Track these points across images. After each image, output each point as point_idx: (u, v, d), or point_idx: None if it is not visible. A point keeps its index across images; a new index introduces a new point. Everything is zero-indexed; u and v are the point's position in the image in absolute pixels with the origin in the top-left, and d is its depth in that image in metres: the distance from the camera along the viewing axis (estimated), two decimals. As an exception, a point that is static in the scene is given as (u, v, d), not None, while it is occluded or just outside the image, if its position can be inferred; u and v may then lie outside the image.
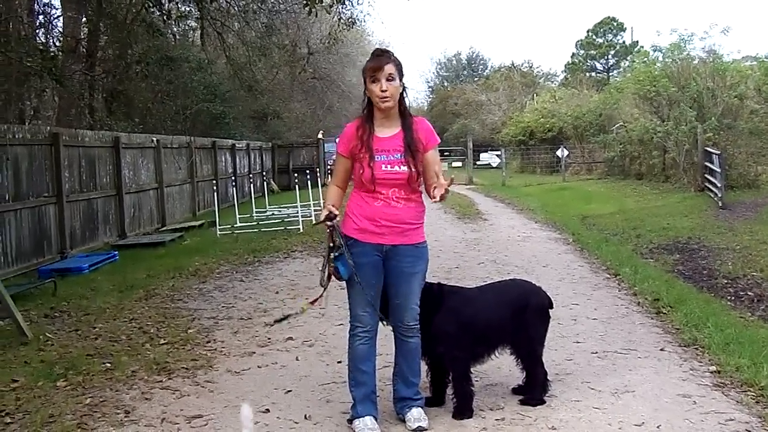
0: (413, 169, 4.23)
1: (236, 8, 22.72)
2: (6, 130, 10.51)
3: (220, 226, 14.68)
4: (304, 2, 14.53)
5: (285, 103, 35.24)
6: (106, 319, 7.44)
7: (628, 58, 52.63)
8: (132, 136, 15.70)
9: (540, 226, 14.91)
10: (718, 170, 18.55)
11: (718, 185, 18.30)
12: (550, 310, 4.84)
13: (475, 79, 65.67)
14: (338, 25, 22.19)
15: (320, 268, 4.42)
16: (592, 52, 62.17)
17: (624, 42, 61.08)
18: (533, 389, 4.70)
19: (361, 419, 4.32)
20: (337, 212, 4.27)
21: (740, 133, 22.63)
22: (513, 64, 60.79)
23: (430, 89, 71.68)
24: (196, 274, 10.02)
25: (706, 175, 20.95)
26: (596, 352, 5.78)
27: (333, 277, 4.32)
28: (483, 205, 20.17)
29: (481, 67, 71.20)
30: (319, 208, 15.98)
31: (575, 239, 12.52)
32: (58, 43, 18.26)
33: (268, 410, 4.74)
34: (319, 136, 32.28)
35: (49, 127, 13.25)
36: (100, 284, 9.39)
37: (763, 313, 7.86)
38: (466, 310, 4.59)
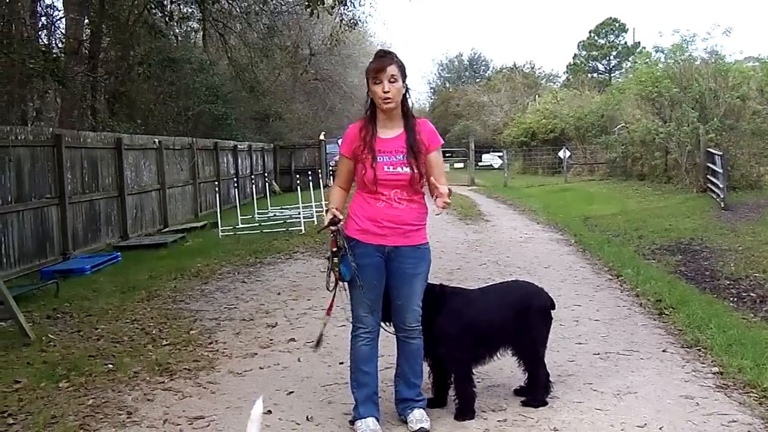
0: (415, 171, 4.23)
1: (238, 10, 22.74)
2: (9, 131, 10.52)
3: (222, 227, 14.68)
4: (306, 3, 14.58)
5: (287, 104, 35.25)
6: (109, 320, 7.44)
7: (630, 58, 52.59)
8: (134, 138, 15.71)
9: (542, 227, 14.91)
10: (721, 171, 18.54)
11: (721, 186, 18.28)
12: (552, 312, 4.84)
13: (477, 80, 65.80)
14: (340, 27, 22.25)
15: (325, 272, 4.39)
16: (594, 52, 62.16)
17: (626, 43, 61.06)
18: (535, 390, 4.70)
19: (363, 420, 4.32)
20: (341, 216, 4.27)
21: (742, 134, 22.60)
22: (515, 65, 60.99)
23: (432, 90, 71.79)
24: (198, 275, 10.02)
25: (708, 176, 20.93)
26: (598, 354, 5.77)
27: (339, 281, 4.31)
28: (485, 206, 20.17)
29: (483, 68, 71.32)
30: (321, 209, 16.01)
31: (577, 240, 12.52)
32: (60, 45, 18.29)
33: (270, 411, 4.74)
34: (321, 137, 32.30)
35: (51, 129, 13.28)
36: (103, 285, 9.39)
37: (766, 315, 7.84)
38: (468, 312, 4.58)
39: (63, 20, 18.62)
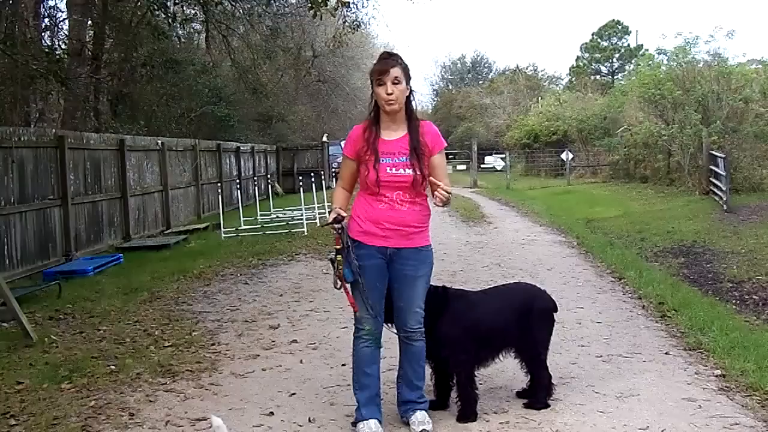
0: (418, 172, 4.23)
1: (241, 11, 22.75)
2: (12, 132, 10.53)
3: (224, 228, 14.68)
4: (309, 5, 14.59)
5: (290, 105, 35.27)
6: (111, 322, 7.44)
7: (633, 61, 52.56)
8: (137, 139, 15.72)
9: (544, 229, 14.90)
10: (723, 173, 18.51)
11: (723, 188, 18.25)
12: (554, 314, 4.84)
13: (480, 82, 65.82)
14: (343, 28, 22.26)
15: (331, 273, 4.36)
16: (597, 55, 62.14)
17: (629, 45, 61.01)
18: (537, 393, 4.70)
19: (365, 422, 4.32)
20: (345, 215, 4.27)
21: (745, 136, 22.59)
22: (518, 68, 61.00)
23: (435, 92, 71.82)
24: (201, 276, 10.03)
25: (710, 179, 20.91)
26: (601, 356, 5.77)
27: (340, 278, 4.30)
28: (487, 208, 20.17)
29: (486, 70, 71.32)
30: (323, 211, 16.02)
31: (580, 242, 12.51)
32: (63, 46, 18.30)
33: (272, 413, 4.75)
34: (324, 138, 32.30)
35: (54, 130, 13.28)
36: (105, 287, 9.40)
37: (769, 317, 7.83)
38: (470, 314, 4.58)
39: (66, 21, 18.70)
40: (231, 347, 6.39)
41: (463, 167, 40.02)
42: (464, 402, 4.50)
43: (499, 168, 42.21)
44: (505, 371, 5.21)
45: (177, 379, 5.51)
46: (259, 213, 17.74)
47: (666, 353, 5.80)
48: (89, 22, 18.68)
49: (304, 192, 16.84)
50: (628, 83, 35.68)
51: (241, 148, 24.60)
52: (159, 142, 16.68)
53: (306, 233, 14.38)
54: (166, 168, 16.62)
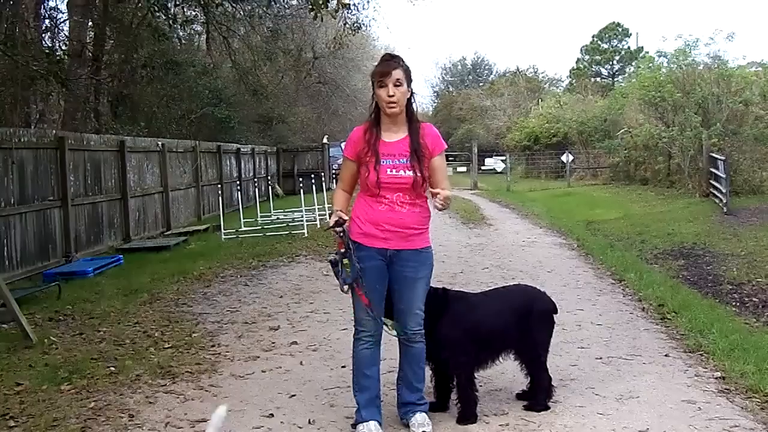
0: (418, 174, 4.24)
1: (242, 13, 22.77)
2: (12, 133, 10.54)
3: (224, 230, 14.68)
4: (310, 7, 14.58)
5: (290, 107, 35.29)
6: (111, 323, 7.44)
7: (633, 63, 52.53)
8: (137, 140, 15.72)
9: (545, 231, 14.90)
10: (723, 176, 18.51)
11: (723, 191, 18.25)
12: (554, 316, 4.84)
13: (480, 84, 65.77)
14: (344, 30, 22.27)
15: (335, 276, 4.33)
16: (597, 57, 62.11)
17: (629, 47, 61.00)
18: (537, 395, 4.70)
19: (365, 424, 4.32)
20: (346, 217, 4.27)
21: (745, 139, 22.59)
22: (518, 70, 60.95)
23: (435, 94, 71.75)
24: (201, 278, 10.03)
25: (711, 181, 20.91)
26: (601, 358, 5.77)
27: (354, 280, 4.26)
28: (488, 210, 20.16)
29: (486, 72, 71.23)
30: (324, 213, 16.02)
31: (580, 245, 12.51)
32: (64, 47, 18.29)
33: (272, 415, 4.75)
34: (324, 140, 32.32)
35: (54, 131, 13.28)
36: (105, 288, 9.40)
37: (769, 320, 7.83)
38: (470, 316, 4.59)
39: (67, 23, 18.66)
40: (231, 349, 6.39)
41: (464, 169, 40.01)
42: (464, 404, 4.50)
43: (499, 170, 42.20)
44: (505, 373, 5.21)
45: (177, 380, 5.50)
46: (259, 214, 17.73)
47: (666, 355, 5.80)
48: (90, 23, 18.68)
49: (304, 193, 16.83)
50: (628, 85, 35.71)
51: (242, 149, 24.61)
52: (159, 143, 16.68)
53: (306, 235, 14.37)
54: (166, 169, 16.63)
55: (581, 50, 63.53)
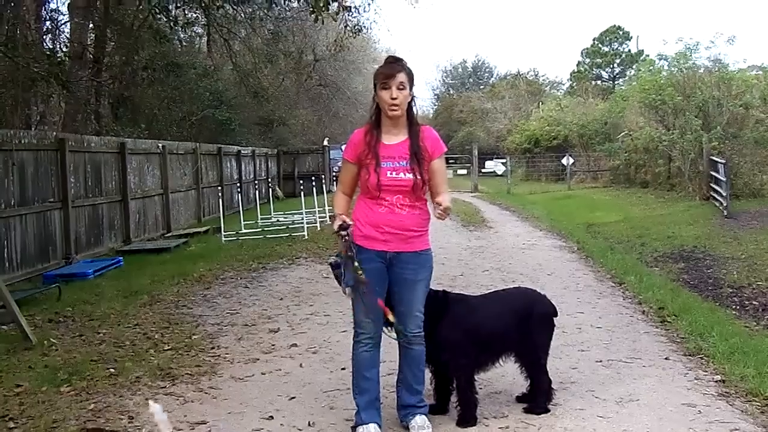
0: (418, 177, 4.24)
1: (243, 15, 22.80)
2: (12, 135, 10.54)
3: (225, 232, 14.68)
4: (311, 10, 14.60)
5: (291, 109, 35.30)
6: (111, 325, 7.44)
7: (634, 66, 52.53)
8: (138, 142, 15.73)
9: (545, 234, 14.89)
10: (723, 179, 18.53)
11: (723, 194, 18.27)
12: (554, 318, 4.84)
13: (481, 87, 65.79)
14: (344, 33, 22.30)
15: (343, 279, 4.31)
16: (598, 60, 62.13)
17: (630, 50, 61.02)
18: (537, 397, 4.69)
19: (364, 426, 4.31)
20: (350, 222, 4.27)
21: (745, 142, 22.63)
22: (519, 72, 60.89)
23: (436, 97, 71.74)
24: (201, 280, 10.02)
25: (711, 184, 20.93)
26: (601, 361, 5.77)
27: (361, 282, 4.23)
28: (488, 212, 20.16)
29: (487, 75, 71.24)
30: (324, 215, 16.02)
31: (580, 247, 12.51)
32: (65, 49, 18.29)
33: (271, 417, 4.75)
34: (325, 142, 32.35)
35: (55, 133, 13.27)
36: (105, 290, 9.39)
37: (769, 323, 7.83)
38: (470, 318, 4.58)
39: (68, 24, 18.69)
40: (231, 351, 6.39)
41: (464, 172, 39.98)
42: (464, 406, 4.50)
43: (499, 173, 42.17)
44: (505, 376, 5.21)
45: (176, 382, 5.50)
46: (259, 217, 17.74)
47: (666, 358, 5.79)
48: (91, 25, 18.69)
49: (304, 196, 16.84)
50: (628, 88, 35.74)
51: (242, 151, 24.63)
52: (160, 145, 16.68)
53: (306, 237, 14.37)
54: (166, 171, 16.63)
55: (582, 53, 63.59)
